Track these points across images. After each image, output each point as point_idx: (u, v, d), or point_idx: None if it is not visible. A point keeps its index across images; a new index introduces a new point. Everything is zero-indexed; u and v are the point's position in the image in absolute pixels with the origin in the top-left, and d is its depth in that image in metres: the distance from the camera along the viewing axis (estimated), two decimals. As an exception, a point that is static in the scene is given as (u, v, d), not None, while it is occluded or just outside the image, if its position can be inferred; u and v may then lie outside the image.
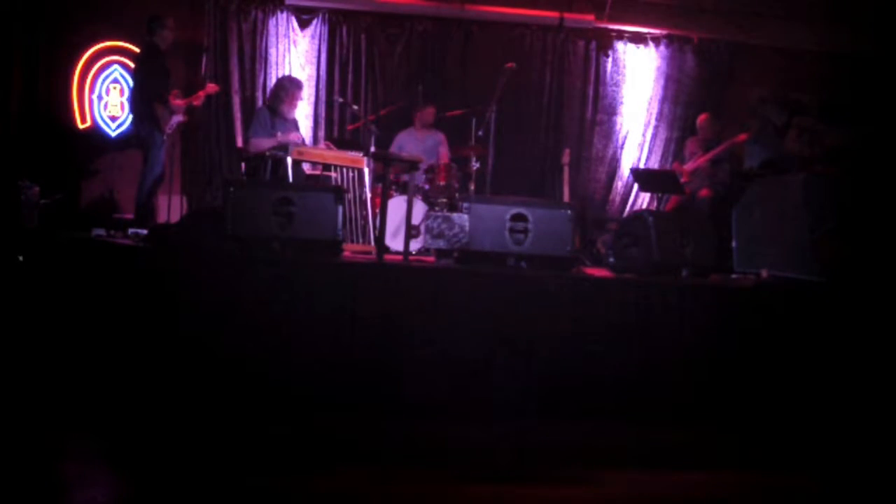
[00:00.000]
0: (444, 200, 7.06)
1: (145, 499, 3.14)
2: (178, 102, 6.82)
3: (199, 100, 7.13)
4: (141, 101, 6.81)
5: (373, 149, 6.93)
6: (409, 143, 7.79)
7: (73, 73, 8.11)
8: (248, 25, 8.38)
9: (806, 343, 4.73)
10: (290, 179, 6.13)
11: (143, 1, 7.97)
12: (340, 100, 7.71)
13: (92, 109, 8.19)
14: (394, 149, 7.78)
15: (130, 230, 5.87)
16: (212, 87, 7.31)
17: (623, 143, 9.09)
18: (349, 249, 5.83)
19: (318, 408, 4.20)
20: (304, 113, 8.34)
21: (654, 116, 9.08)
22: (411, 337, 4.41)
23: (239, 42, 8.37)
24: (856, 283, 4.94)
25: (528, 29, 8.86)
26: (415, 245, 6.08)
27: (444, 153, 7.67)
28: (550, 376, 4.50)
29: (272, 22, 8.43)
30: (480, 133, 7.33)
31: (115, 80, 8.25)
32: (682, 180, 7.74)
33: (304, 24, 8.52)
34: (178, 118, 6.85)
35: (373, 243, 6.12)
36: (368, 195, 6.50)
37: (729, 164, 8.07)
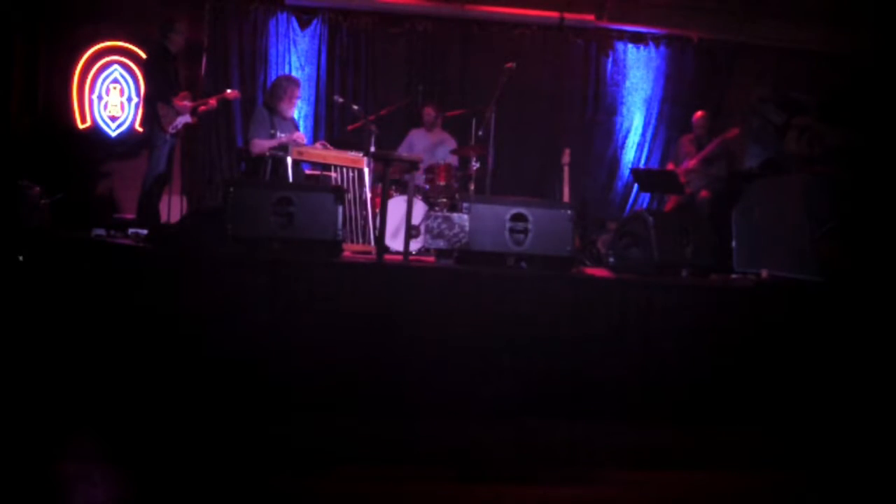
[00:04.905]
0: (444, 200, 7.06)
1: (145, 498, 3.14)
2: (184, 104, 6.83)
3: (206, 105, 7.11)
4: (145, 101, 6.86)
5: (373, 149, 6.93)
6: (419, 141, 7.82)
7: (73, 73, 8.11)
8: (248, 25, 8.39)
9: (806, 343, 4.73)
10: (290, 179, 6.13)
11: (143, 1, 8.00)
12: (340, 100, 7.71)
13: (92, 109, 8.19)
14: (405, 145, 7.83)
15: (130, 230, 5.87)
16: (231, 94, 7.28)
17: (623, 143, 9.10)
18: (349, 249, 5.83)
19: (317, 407, 4.20)
20: (304, 113, 8.35)
21: (654, 116, 9.09)
22: (411, 337, 4.41)
23: (239, 42, 8.37)
24: (856, 283, 4.94)
25: (528, 29, 8.86)
26: (415, 245, 6.08)
27: (451, 160, 7.67)
28: (551, 376, 4.51)
29: (272, 22, 8.45)
30: (480, 133, 7.33)
31: (115, 80, 8.25)
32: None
33: (304, 24, 8.52)
34: (184, 119, 6.85)
35: (373, 243, 6.12)
36: (368, 195, 6.50)
37: (725, 159, 8.07)
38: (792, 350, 4.72)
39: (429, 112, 7.94)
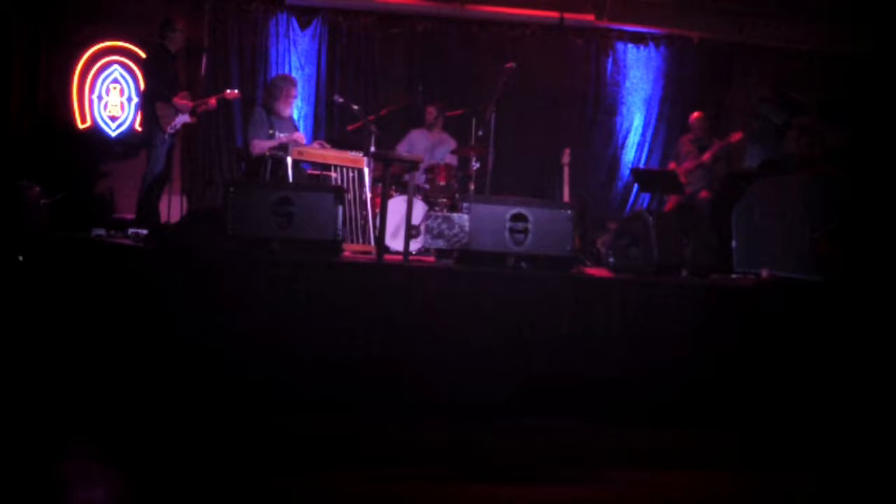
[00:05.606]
0: (444, 200, 7.06)
1: (145, 499, 3.14)
2: (183, 103, 6.83)
3: (206, 105, 7.09)
4: (144, 101, 6.93)
5: (373, 149, 6.93)
6: (420, 141, 7.84)
7: (73, 73, 8.11)
8: (248, 25, 8.39)
9: (805, 343, 4.73)
10: (290, 179, 6.13)
11: (143, 1, 7.99)
12: (340, 100, 7.71)
13: (92, 109, 8.19)
14: (405, 145, 7.85)
15: (130, 230, 5.87)
16: (231, 94, 7.27)
17: (623, 143, 9.10)
18: (349, 249, 5.83)
19: (318, 408, 4.20)
20: (304, 113, 8.35)
21: (654, 116, 9.08)
22: (411, 337, 4.41)
23: (239, 42, 8.37)
24: (856, 283, 4.94)
25: (528, 29, 8.86)
26: (415, 245, 6.08)
27: (450, 160, 7.67)
28: (550, 376, 4.51)
29: (272, 22, 8.44)
30: (480, 133, 7.32)
31: (115, 80, 8.25)
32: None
33: (304, 25, 8.52)
34: (183, 119, 6.86)
35: (373, 243, 6.12)
36: (368, 195, 6.50)
37: (725, 162, 8.08)
38: (792, 350, 4.72)
39: (430, 112, 7.95)
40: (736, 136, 7.93)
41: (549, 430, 4.26)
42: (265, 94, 7.05)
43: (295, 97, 6.99)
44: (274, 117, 6.71)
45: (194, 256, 4.48)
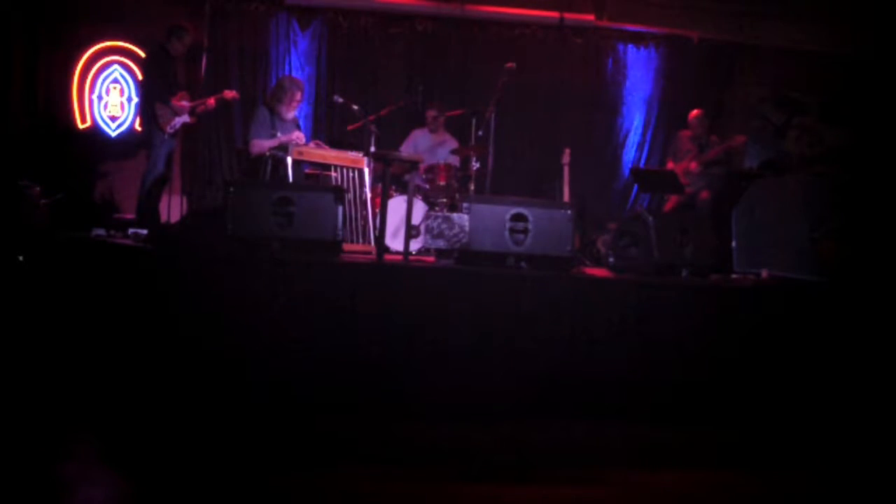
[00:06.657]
0: (444, 200, 7.06)
1: (146, 499, 3.14)
2: (182, 104, 6.83)
3: (204, 105, 7.09)
4: (143, 101, 6.98)
5: (373, 149, 6.93)
6: (423, 141, 7.84)
7: (73, 73, 8.11)
8: (248, 25, 8.38)
9: (805, 343, 4.73)
10: (290, 179, 6.13)
11: (144, 1, 7.99)
12: (340, 100, 7.70)
13: (92, 109, 8.19)
14: (409, 144, 7.85)
15: (130, 230, 5.86)
16: (229, 94, 7.27)
17: (623, 143, 9.09)
18: (349, 249, 5.83)
19: (318, 408, 4.21)
20: (304, 113, 8.34)
21: (654, 116, 9.08)
22: (411, 337, 4.41)
23: (239, 42, 8.37)
24: (856, 283, 4.95)
25: (528, 29, 8.86)
26: (415, 245, 6.08)
27: (452, 160, 7.67)
28: (550, 376, 4.51)
29: (272, 22, 8.44)
30: (480, 133, 7.32)
31: (115, 80, 8.25)
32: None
33: (304, 25, 8.52)
34: (182, 119, 6.86)
35: (373, 243, 6.12)
36: (368, 195, 6.50)
37: (726, 164, 8.07)
38: (792, 350, 4.72)
39: (431, 113, 7.94)
40: (739, 140, 7.93)
41: (549, 430, 4.26)
42: (270, 94, 7.04)
43: (300, 101, 6.93)
44: (277, 118, 6.70)
45: (194, 256, 4.49)
